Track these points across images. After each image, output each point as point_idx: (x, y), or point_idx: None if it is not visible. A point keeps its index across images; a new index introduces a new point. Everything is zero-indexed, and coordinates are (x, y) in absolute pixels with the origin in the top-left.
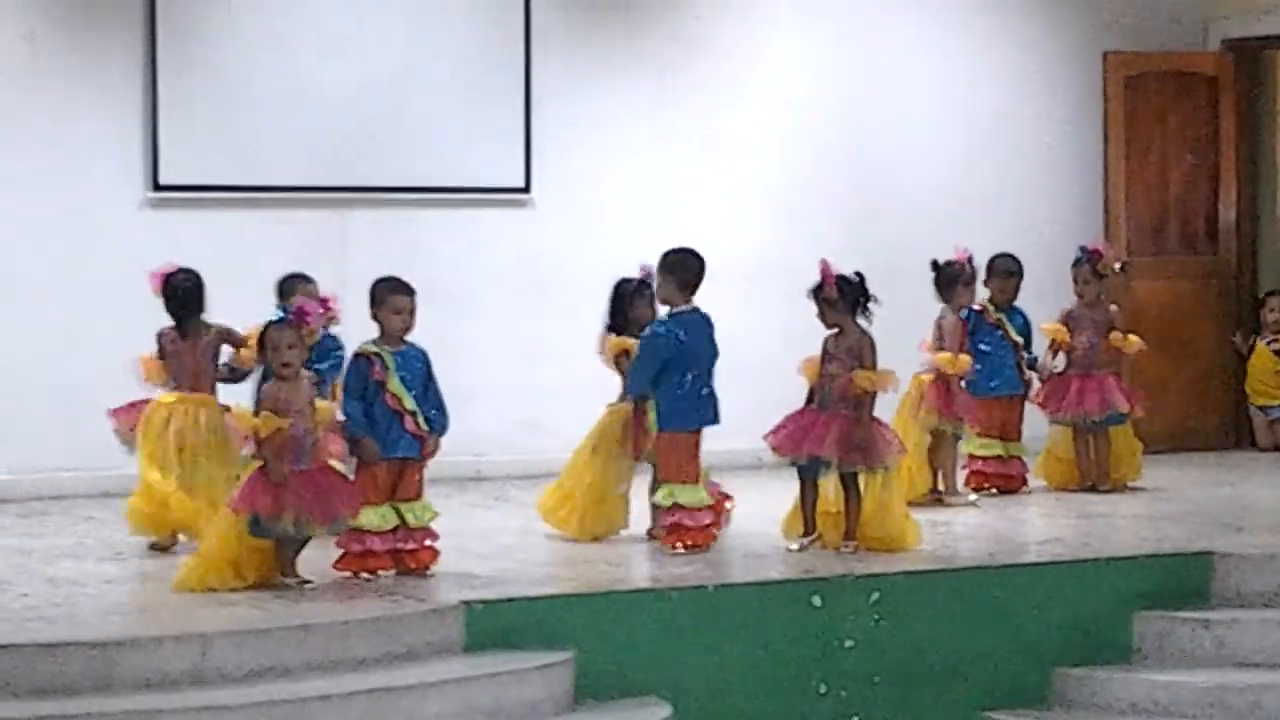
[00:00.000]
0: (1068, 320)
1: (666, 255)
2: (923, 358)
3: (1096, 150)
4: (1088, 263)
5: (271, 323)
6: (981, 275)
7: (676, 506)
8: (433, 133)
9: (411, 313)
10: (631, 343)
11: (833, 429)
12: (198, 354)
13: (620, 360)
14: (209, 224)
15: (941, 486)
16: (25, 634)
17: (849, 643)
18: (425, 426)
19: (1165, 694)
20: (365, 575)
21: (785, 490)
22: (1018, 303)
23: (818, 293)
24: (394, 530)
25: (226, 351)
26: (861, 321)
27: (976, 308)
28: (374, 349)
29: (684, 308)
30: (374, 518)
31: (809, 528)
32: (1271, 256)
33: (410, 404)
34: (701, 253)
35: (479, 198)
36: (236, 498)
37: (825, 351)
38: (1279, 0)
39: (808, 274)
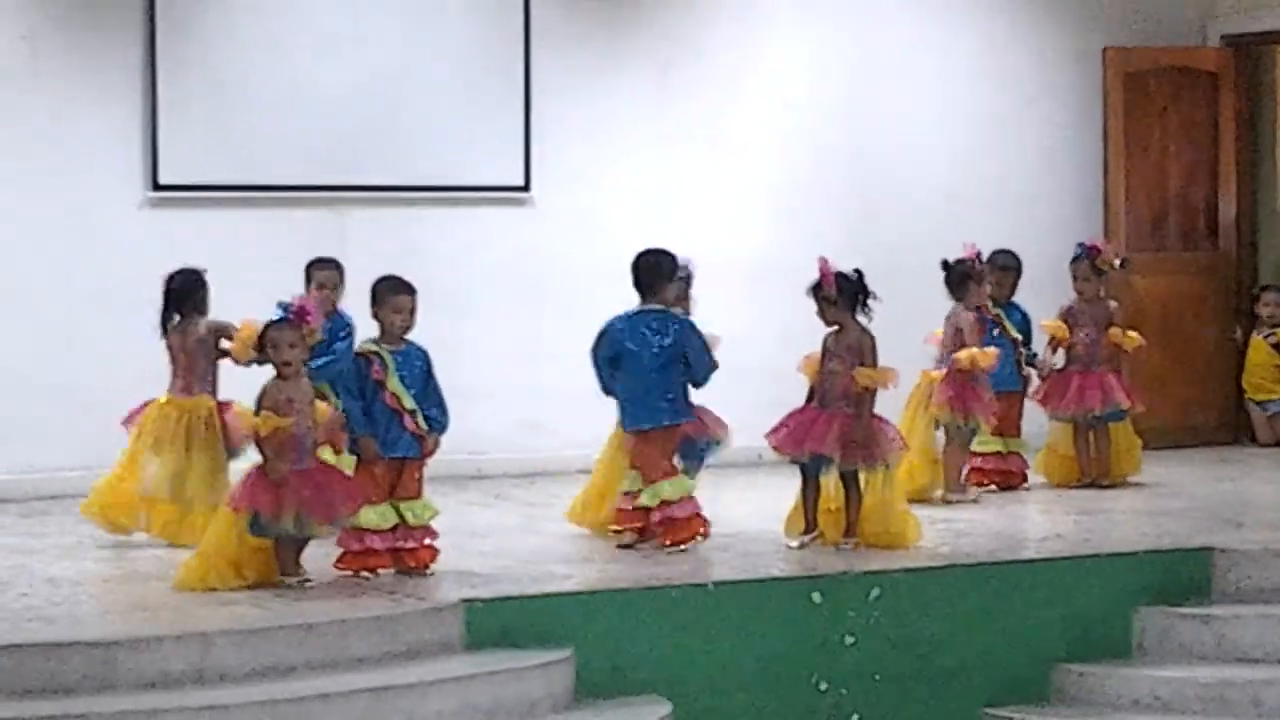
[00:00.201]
0: (1067, 317)
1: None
2: (929, 351)
3: (1096, 146)
4: (1087, 259)
5: (272, 321)
6: None
7: (663, 503)
8: (432, 132)
9: (412, 312)
10: None
11: (834, 427)
12: (188, 350)
13: None
14: (208, 224)
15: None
16: (25, 634)
17: (849, 640)
18: (425, 426)
19: (1166, 690)
20: (365, 574)
21: (785, 488)
22: (1017, 299)
23: (817, 291)
24: (394, 529)
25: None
26: (861, 319)
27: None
28: (374, 348)
29: (638, 307)
30: (374, 516)
31: (810, 525)
32: (1271, 252)
33: (409, 403)
34: (660, 253)
35: (478, 197)
36: (236, 496)
37: (825, 349)
38: None
39: (808, 273)
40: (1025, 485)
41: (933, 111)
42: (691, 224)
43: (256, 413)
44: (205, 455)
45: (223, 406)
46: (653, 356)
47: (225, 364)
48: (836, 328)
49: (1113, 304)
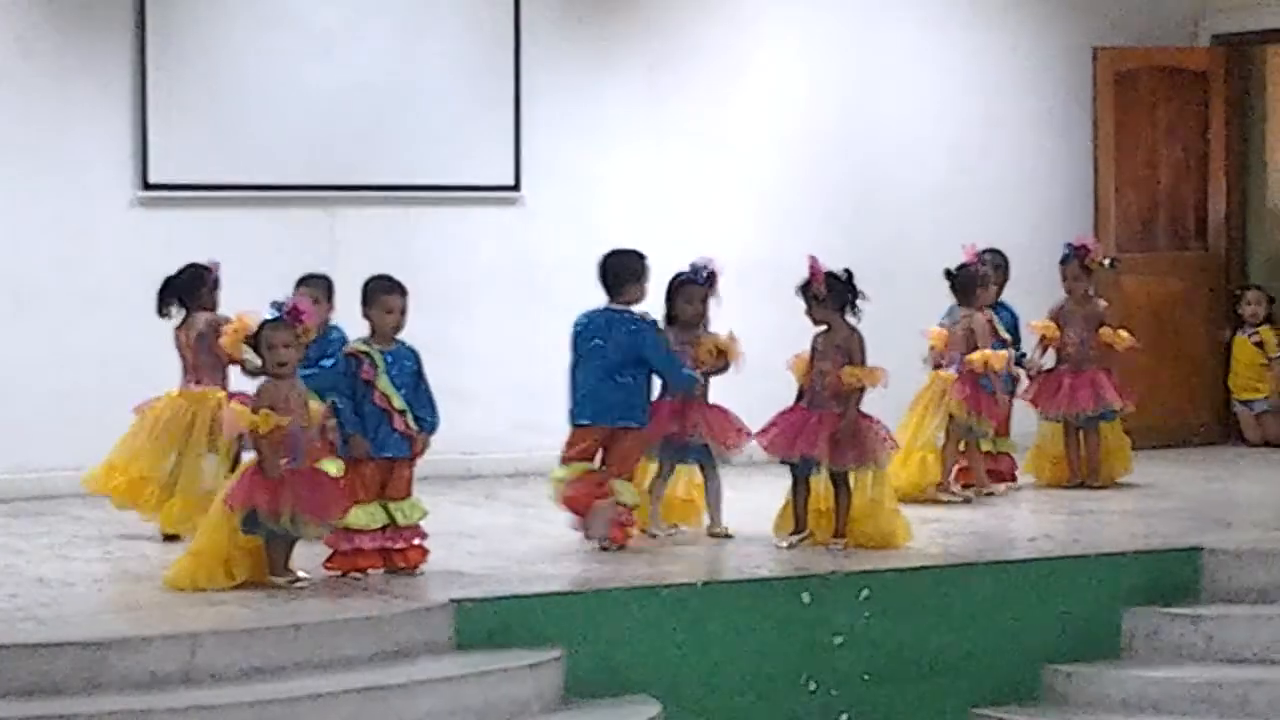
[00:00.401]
0: (1057, 317)
1: None
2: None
3: (1086, 146)
4: (1076, 259)
5: (267, 321)
6: None
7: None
8: (422, 131)
9: (403, 312)
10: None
11: (824, 428)
12: (191, 344)
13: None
14: (199, 223)
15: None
16: (15, 634)
17: (839, 640)
18: (414, 426)
19: (1155, 690)
20: (355, 574)
21: (774, 488)
22: (1005, 298)
23: (806, 289)
24: (383, 529)
25: None
26: (850, 319)
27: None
28: (364, 348)
29: (603, 305)
30: (363, 516)
31: (800, 526)
32: (1260, 251)
33: (399, 403)
34: (626, 253)
35: (469, 196)
36: (231, 494)
37: (814, 349)
38: None
39: (799, 272)
40: (1015, 485)
41: (923, 110)
42: (683, 223)
43: (254, 411)
44: (210, 448)
45: (235, 399)
46: (606, 355)
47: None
48: (825, 327)
49: (1102, 303)
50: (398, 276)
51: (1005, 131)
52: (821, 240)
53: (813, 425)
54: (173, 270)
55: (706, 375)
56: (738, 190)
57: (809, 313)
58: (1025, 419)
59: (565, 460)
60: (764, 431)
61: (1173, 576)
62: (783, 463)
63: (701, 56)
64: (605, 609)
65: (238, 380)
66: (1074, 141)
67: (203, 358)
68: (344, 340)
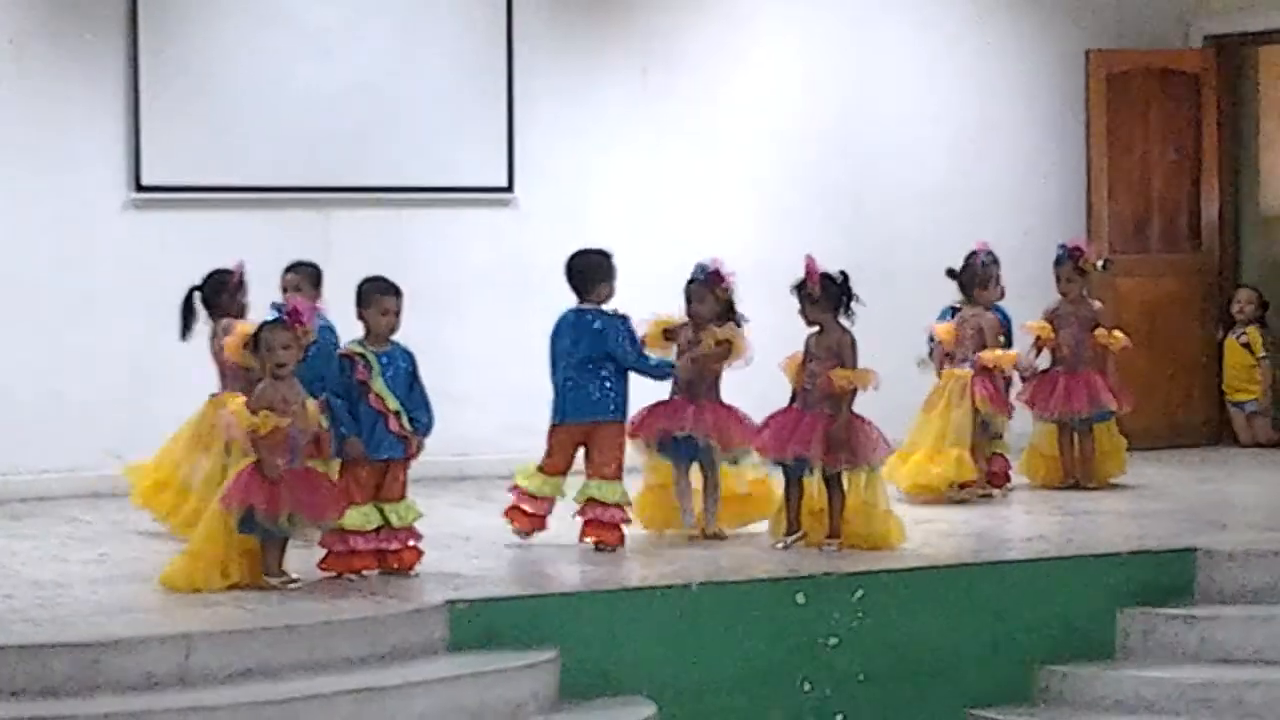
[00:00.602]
0: (1052, 318)
1: None
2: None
3: (1079, 148)
4: (1070, 260)
5: (266, 323)
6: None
7: (590, 501)
8: (416, 133)
9: (398, 313)
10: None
11: (817, 429)
12: (213, 351)
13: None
14: (191, 225)
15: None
16: (9, 636)
17: (833, 641)
18: (409, 427)
19: (1149, 690)
20: (349, 575)
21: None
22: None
23: (801, 289)
24: (378, 530)
25: None
26: (843, 321)
27: (959, 305)
28: (358, 349)
29: (575, 305)
30: (358, 518)
31: (794, 526)
32: (1253, 253)
33: (394, 404)
34: (592, 253)
35: (462, 198)
36: (228, 493)
37: (807, 350)
38: None
39: (793, 273)
40: (1009, 486)
41: (917, 112)
42: (676, 224)
43: (254, 412)
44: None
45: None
46: (578, 352)
47: None
48: (818, 328)
49: (1097, 305)
50: (391, 278)
51: (1000, 133)
52: (817, 241)
53: (805, 426)
54: (167, 272)
55: (709, 366)
56: (732, 191)
57: (802, 312)
58: (1019, 420)
59: (542, 467)
60: (757, 432)
61: (1167, 577)
62: (775, 463)
63: (695, 57)
64: (600, 610)
65: None
66: (1067, 143)
67: (224, 364)
68: (330, 329)
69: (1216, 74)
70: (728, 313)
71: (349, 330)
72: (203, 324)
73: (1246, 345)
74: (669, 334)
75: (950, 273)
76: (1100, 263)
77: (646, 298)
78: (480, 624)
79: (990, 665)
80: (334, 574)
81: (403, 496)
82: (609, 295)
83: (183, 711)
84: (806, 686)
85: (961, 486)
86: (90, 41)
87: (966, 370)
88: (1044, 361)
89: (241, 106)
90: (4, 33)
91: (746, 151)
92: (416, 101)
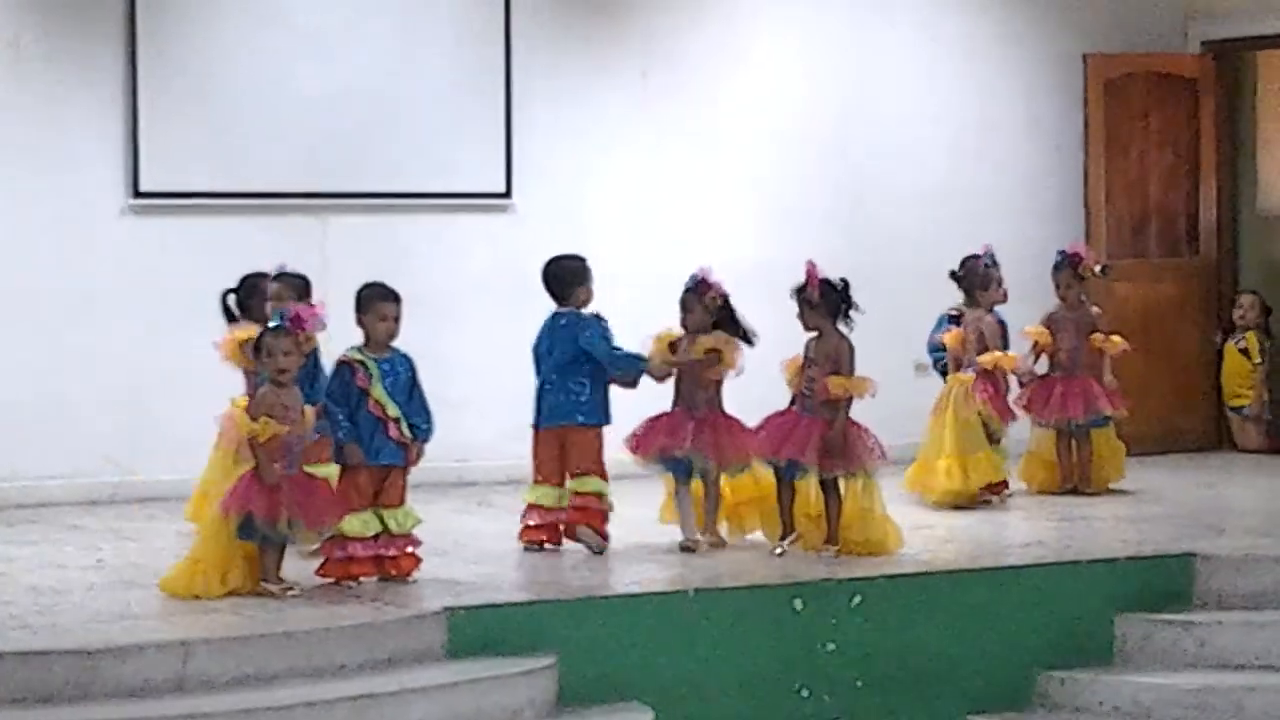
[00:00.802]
0: (1050, 323)
1: None
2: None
3: (1077, 152)
4: (1068, 266)
5: (268, 328)
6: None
7: (582, 493)
8: (414, 138)
9: (397, 319)
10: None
11: (814, 434)
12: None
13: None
14: (189, 231)
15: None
16: (7, 642)
17: (830, 646)
18: (409, 434)
19: (1148, 696)
20: (347, 582)
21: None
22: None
23: (801, 292)
24: (376, 537)
25: None
26: (841, 327)
27: (954, 312)
28: (358, 356)
29: (553, 310)
30: (356, 524)
31: (787, 528)
32: (1251, 256)
33: (394, 411)
34: (566, 259)
35: (460, 203)
36: (227, 499)
37: (806, 355)
38: (1258, 2)
39: (792, 276)
40: (1007, 491)
41: (916, 114)
42: (676, 227)
43: (254, 418)
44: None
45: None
46: (553, 356)
47: None
48: (816, 334)
49: (1095, 310)
50: (390, 283)
51: (998, 136)
52: (816, 242)
53: (802, 430)
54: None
55: (704, 376)
56: (731, 193)
57: (801, 316)
58: (1017, 425)
59: (538, 480)
60: (754, 433)
61: (1165, 583)
62: (768, 465)
63: (694, 59)
64: (598, 616)
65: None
66: (1065, 146)
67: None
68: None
69: (1214, 78)
70: (725, 322)
71: (350, 337)
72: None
73: (1244, 351)
74: (673, 347)
75: (953, 274)
76: (1099, 268)
77: (646, 300)
78: (478, 630)
79: (988, 671)
80: (332, 580)
81: (402, 503)
82: (587, 299)
83: (180, 718)
84: (804, 692)
85: (990, 489)
86: (89, 44)
87: (969, 375)
88: (1043, 367)
89: (240, 113)
90: (2, 35)
91: (745, 153)
92: (415, 105)
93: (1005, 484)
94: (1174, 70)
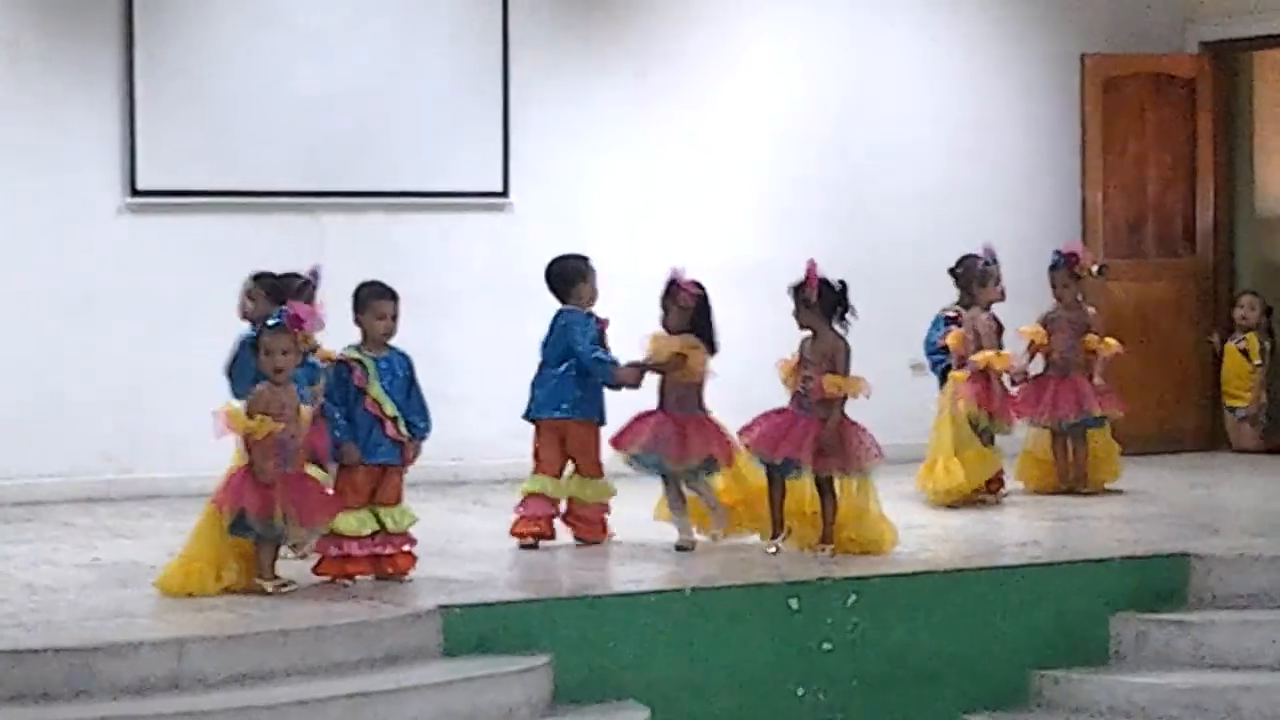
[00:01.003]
0: (1046, 323)
1: None
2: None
3: (1074, 152)
4: (1065, 266)
5: (266, 326)
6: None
7: (573, 499)
8: (411, 137)
9: (394, 318)
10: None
11: (809, 433)
12: None
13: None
14: (187, 229)
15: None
16: (2, 640)
17: (826, 646)
18: (406, 432)
19: (1143, 696)
20: (343, 580)
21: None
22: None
23: (798, 291)
24: (372, 535)
25: None
26: (837, 328)
27: (951, 313)
28: (355, 355)
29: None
30: (352, 522)
31: (779, 526)
32: (1248, 257)
33: (391, 409)
34: (566, 258)
35: (458, 202)
36: (220, 496)
37: (801, 355)
38: (1256, 2)
39: (789, 275)
40: (1003, 491)
41: (913, 115)
42: (672, 227)
43: (250, 416)
44: None
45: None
46: (550, 353)
47: None
48: (811, 334)
49: (1091, 311)
50: (387, 282)
51: (994, 138)
52: (813, 242)
53: (798, 429)
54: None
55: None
56: (729, 193)
57: (796, 314)
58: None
59: (536, 470)
60: (748, 429)
61: (1160, 582)
62: (762, 462)
63: (691, 59)
64: (594, 615)
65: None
66: (1062, 148)
67: None
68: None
69: (1212, 78)
70: (698, 324)
71: (347, 336)
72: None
73: (1244, 352)
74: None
75: (952, 271)
76: (1096, 268)
77: (644, 299)
78: (474, 629)
79: (984, 670)
80: (328, 579)
81: (398, 501)
82: (590, 297)
83: (175, 716)
84: (800, 692)
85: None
86: (86, 44)
87: (964, 374)
88: (1039, 366)
89: (237, 112)
90: (1, 35)
91: (743, 153)
92: (412, 106)
93: (1001, 483)
94: (1171, 71)
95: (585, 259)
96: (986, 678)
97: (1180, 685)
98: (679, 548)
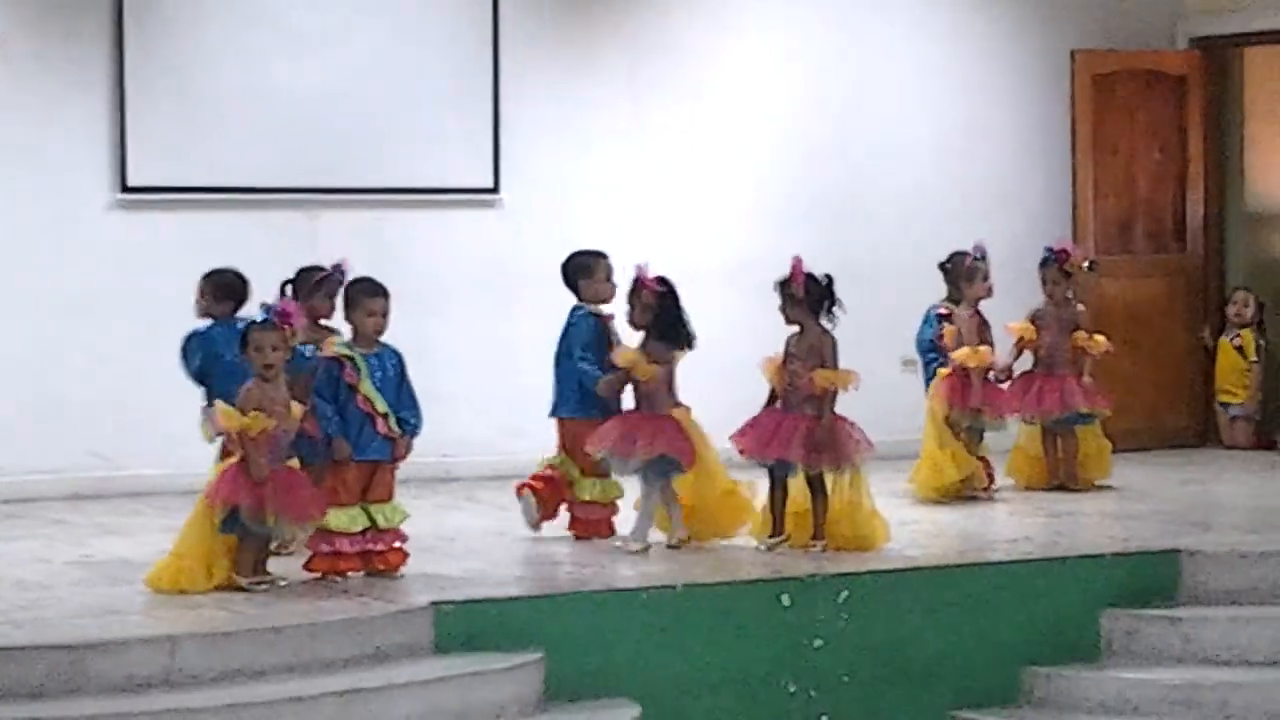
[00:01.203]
0: (1035, 319)
1: None
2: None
3: (1064, 149)
4: (1055, 263)
5: (255, 323)
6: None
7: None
8: (402, 134)
9: (385, 315)
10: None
11: (798, 430)
12: None
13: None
14: (177, 226)
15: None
16: None
17: (818, 642)
18: (397, 429)
19: (1134, 692)
20: (334, 577)
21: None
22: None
23: (784, 287)
24: (363, 532)
25: None
26: (824, 322)
27: (943, 310)
28: (346, 351)
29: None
30: (344, 519)
31: (778, 528)
32: (1239, 254)
33: (382, 406)
34: (578, 254)
35: (448, 199)
36: (213, 491)
37: (788, 351)
38: None
39: (780, 272)
40: (993, 487)
41: (903, 113)
42: (662, 224)
43: (244, 413)
44: None
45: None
46: (558, 351)
47: None
48: (798, 329)
49: (1080, 308)
50: (378, 279)
51: (984, 135)
52: (803, 240)
53: (787, 427)
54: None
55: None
56: (719, 191)
57: (783, 310)
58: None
59: (581, 470)
60: (740, 434)
61: (1151, 579)
62: (759, 465)
63: (681, 57)
64: (585, 612)
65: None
66: (1052, 145)
67: None
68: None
69: (1202, 75)
70: (661, 321)
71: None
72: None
73: (1240, 349)
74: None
75: (941, 266)
76: (1086, 265)
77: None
78: (465, 626)
79: (975, 666)
80: (319, 575)
81: (390, 498)
82: (597, 294)
83: (166, 713)
84: (791, 688)
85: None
86: (75, 43)
87: (945, 370)
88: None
89: (227, 108)
90: None
91: (734, 150)
92: (403, 103)
93: (992, 479)
94: (1162, 67)
95: (595, 254)
96: (978, 674)
97: (1171, 681)
98: (669, 545)
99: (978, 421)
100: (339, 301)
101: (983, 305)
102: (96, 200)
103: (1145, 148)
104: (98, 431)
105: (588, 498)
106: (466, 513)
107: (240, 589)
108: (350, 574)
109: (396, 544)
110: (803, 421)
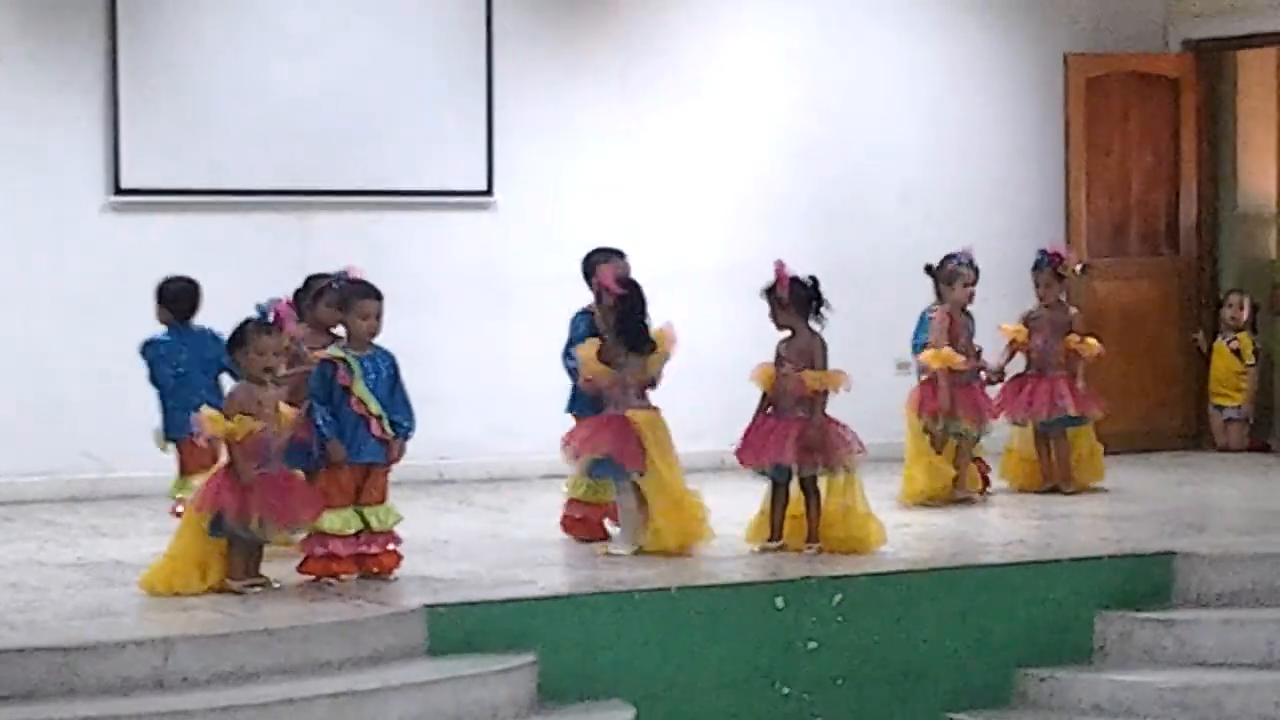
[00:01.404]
0: (1028, 322)
1: None
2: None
3: (1057, 152)
4: (1048, 265)
5: (254, 325)
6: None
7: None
8: (395, 135)
9: (379, 317)
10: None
11: (790, 434)
12: None
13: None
14: (170, 228)
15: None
16: None
17: (812, 644)
18: (391, 431)
19: (1127, 694)
20: (328, 579)
21: (748, 493)
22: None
23: (770, 293)
24: (357, 534)
25: None
26: (813, 324)
27: (932, 312)
28: (340, 354)
29: None
30: (337, 522)
31: (776, 534)
32: (1232, 256)
33: (376, 408)
34: (593, 252)
35: (441, 200)
36: (200, 496)
37: (778, 355)
38: (1239, 1)
39: (771, 275)
40: (987, 489)
41: (896, 115)
42: (655, 226)
43: (228, 416)
44: None
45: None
46: (566, 350)
47: None
48: (789, 333)
49: (1074, 311)
50: (371, 281)
51: (977, 137)
52: (796, 243)
53: (778, 432)
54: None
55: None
56: (712, 193)
57: (772, 315)
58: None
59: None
60: (738, 449)
61: (1145, 581)
62: (759, 474)
63: (674, 59)
64: (579, 614)
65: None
66: (1045, 147)
67: None
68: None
69: (1195, 77)
70: (623, 323)
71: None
72: None
73: (1236, 351)
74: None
75: (928, 268)
76: (1079, 267)
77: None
78: (459, 628)
79: (968, 669)
80: (313, 578)
81: (383, 500)
82: (599, 293)
83: (160, 716)
84: (785, 690)
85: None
86: (69, 45)
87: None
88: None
89: (220, 110)
90: None
91: (726, 153)
92: (396, 105)
93: (987, 481)
94: (1154, 70)
95: (605, 251)
96: (972, 676)
97: (1165, 684)
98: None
99: (955, 425)
100: None
101: (975, 307)
102: (90, 202)
103: (1138, 150)
104: (90, 433)
105: (578, 496)
106: (460, 515)
107: (234, 592)
108: (344, 576)
109: (390, 546)
110: (794, 424)
